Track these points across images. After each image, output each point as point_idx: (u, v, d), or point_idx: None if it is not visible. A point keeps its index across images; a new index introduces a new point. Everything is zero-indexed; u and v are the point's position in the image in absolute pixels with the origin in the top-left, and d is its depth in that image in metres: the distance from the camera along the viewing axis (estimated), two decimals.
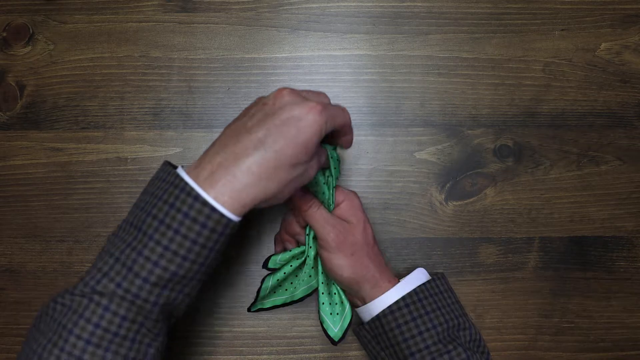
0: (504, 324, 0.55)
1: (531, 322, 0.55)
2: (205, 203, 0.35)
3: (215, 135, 0.55)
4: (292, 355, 0.54)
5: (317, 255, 0.47)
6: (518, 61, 0.57)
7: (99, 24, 0.56)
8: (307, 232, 0.47)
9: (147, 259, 0.35)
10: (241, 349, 0.54)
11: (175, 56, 0.56)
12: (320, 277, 0.48)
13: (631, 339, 0.55)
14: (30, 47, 0.56)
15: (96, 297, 0.35)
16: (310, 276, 0.48)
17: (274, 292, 0.49)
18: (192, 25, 0.56)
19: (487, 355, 0.46)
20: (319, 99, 0.40)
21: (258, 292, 0.48)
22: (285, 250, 0.50)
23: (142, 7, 0.56)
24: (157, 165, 0.55)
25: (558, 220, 0.56)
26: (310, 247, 0.47)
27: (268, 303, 0.49)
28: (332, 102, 0.56)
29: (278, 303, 0.49)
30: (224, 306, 0.54)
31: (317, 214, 0.45)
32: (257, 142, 0.36)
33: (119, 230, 0.38)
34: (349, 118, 0.41)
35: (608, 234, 0.56)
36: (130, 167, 0.55)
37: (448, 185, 0.56)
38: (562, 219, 0.56)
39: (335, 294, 0.48)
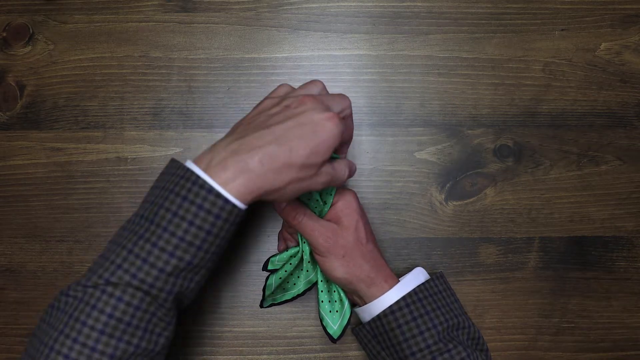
0: (504, 324, 0.55)
1: (531, 322, 0.55)
2: (218, 195, 0.36)
3: (216, 136, 0.55)
4: (292, 355, 0.54)
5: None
6: (518, 61, 0.57)
7: (99, 24, 0.56)
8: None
9: (162, 249, 0.36)
10: (241, 349, 0.54)
11: (175, 56, 0.56)
12: (320, 276, 0.48)
13: (631, 339, 0.55)
14: (30, 47, 0.56)
15: (109, 288, 0.36)
16: (307, 271, 0.49)
17: (283, 289, 0.50)
18: (192, 25, 0.56)
19: (486, 352, 0.46)
20: (340, 106, 0.42)
21: (263, 289, 0.50)
22: (285, 249, 0.51)
23: (142, 7, 0.56)
24: (157, 165, 0.55)
25: (558, 220, 0.56)
26: (304, 242, 0.47)
27: (279, 298, 0.51)
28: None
29: (288, 297, 0.51)
30: (224, 306, 0.54)
31: (302, 223, 0.45)
32: (274, 137, 0.37)
33: (128, 224, 0.39)
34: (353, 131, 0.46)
35: (608, 234, 0.56)
36: (130, 167, 0.55)
37: (448, 185, 0.56)
38: (562, 219, 0.56)
39: (334, 292, 0.48)
